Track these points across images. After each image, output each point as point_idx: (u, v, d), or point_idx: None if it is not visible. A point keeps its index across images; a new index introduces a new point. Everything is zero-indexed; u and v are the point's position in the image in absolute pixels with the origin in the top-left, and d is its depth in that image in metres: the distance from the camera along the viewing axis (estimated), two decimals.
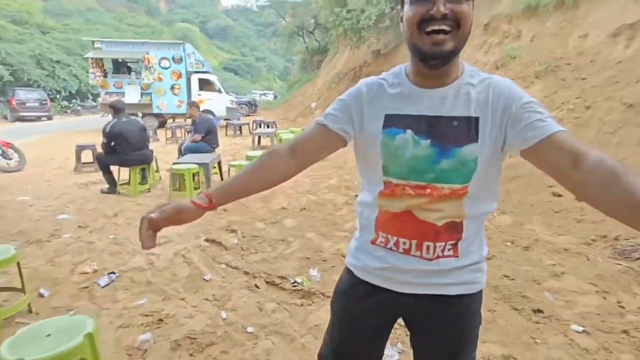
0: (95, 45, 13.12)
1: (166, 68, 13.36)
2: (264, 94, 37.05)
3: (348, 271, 1.09)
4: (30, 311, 2.33)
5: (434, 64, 0.88)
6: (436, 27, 0.82)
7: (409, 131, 0.92)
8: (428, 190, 0.92)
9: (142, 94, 13.27)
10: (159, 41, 15.16)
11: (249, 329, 2.21)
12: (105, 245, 3.38)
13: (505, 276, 2.78)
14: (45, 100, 19.47)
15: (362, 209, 1.06)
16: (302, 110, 16.69)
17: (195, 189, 4.78)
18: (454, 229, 0.94)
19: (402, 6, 0.90)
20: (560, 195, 4.16)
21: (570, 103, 5.61)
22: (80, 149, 6.54)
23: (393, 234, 0.97)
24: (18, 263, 2.27)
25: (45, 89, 22.98)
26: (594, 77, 5.74)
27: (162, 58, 13.28)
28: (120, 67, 14.39)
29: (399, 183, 0.94)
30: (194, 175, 4.80)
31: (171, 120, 13.78)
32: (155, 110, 13.47)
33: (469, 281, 0.99)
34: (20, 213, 4.20)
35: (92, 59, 12.72)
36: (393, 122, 0.94)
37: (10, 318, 2.22)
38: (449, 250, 0.95)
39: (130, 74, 14.33)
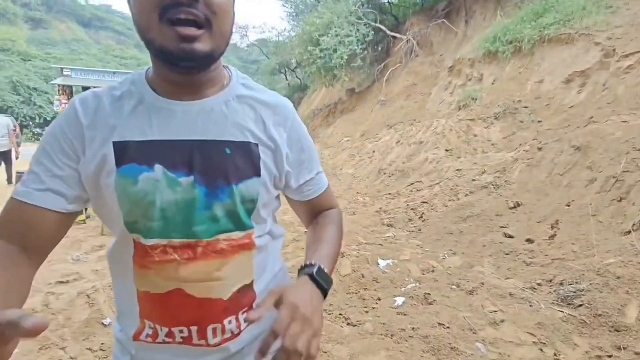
0: (64, 72, 12.97)
1: None
2: None
3: None
4: None
5: (185, 67, 0.64)
6: (183, 17, 0.58)
7: (158, 166, 0.64)
8: (200, 250, 0.67)
9: None
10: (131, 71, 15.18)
11: None
12: None
13: (440, 324, 2.57)
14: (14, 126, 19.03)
15: (118, 287, 0.75)
16: None
17: None
18: (246, 295, 0.74)
19: None
20: (511, 237, 4.05)
21: (527, 144, 5.67)
22: (20, 175, 6.29)
23: (163, 324, 0.70)
24: None
25: (19, 115, 22.61)
26: (548, 120, 5.86)
27: None
28: None
29: (156, 244, 0.66)
30: None
31: None
32: None
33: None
34: None
35: (58, 85, 12.52)
36: (131, 154, 0.64)
37: None
38: (244, 321, 0.74)
39: None
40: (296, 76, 26.74)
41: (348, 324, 2.69)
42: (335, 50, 11.24)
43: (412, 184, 6.01)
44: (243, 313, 0.74)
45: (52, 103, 26.33)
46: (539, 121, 6.03)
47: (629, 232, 3.29)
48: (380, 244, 4.22)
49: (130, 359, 0.76)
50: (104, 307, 2.58)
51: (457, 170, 5.72)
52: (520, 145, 5.79)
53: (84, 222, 4.93)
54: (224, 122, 0.69)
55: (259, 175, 0.70)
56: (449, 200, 5.00)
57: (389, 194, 6.02)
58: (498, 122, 6.55)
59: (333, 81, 12.64)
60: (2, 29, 31.73)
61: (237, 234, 0.70)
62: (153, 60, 0.67)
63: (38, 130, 24.64)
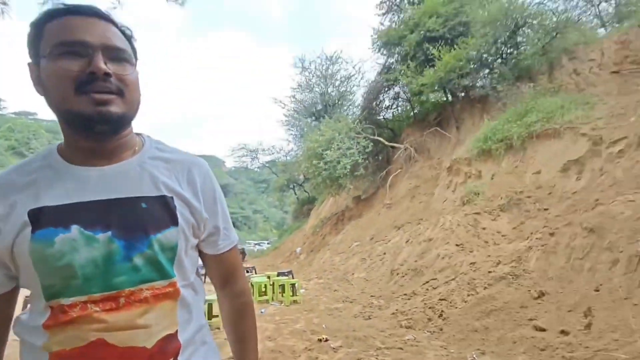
0: None
1: None
2: (259, 244, 37.35)
3: None
4: None
5: (100, 132, 0.70)
6: (98, 89, 0.67)
7: (74, 227, 0.66)
8: (122, 300, 0.68)
9: None
10: None
11: None
12: None
13: None
14: None
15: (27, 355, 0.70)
16: (288, 256, 16.47)
17: None
18: (170, 344, 0.73)
19: (36, 61, 0.70)
20: (543, 329, 3.70)
21: (538, 232, 5.57)
22: None
23: None
24: None
25: None
26: (554, 207, 5.86)
27: None
28: None
29: (75, 302, 0.66)
30: None
31: None
32: None
33: None
34: None
35: None
36: (47, 219, 0.66)
37: None
38: None
39: None
40: (304, 190, 27.90)
41: None
42: (339, 162, 11.95)
43: (427, 282, 5.74)
44: None
45: None
46: (545, 209, 6.01)
47: None
48: (400, 348, 3.85)
49: None
50: None
51: (471, 264, 5.51)
52: (531, 233, 5.67)
53: None
54: (139, 179, 0.74)
55: (176, 224, 0.74)
56: (468, 295, 4.70)
57: (405, 294, 5.71)
58: (504, 213, 6.55)
59: (339, 190, 13.12)
60: None
61: (160, 284, 0.72)
62: (66, 131, 0.72)
63: None
